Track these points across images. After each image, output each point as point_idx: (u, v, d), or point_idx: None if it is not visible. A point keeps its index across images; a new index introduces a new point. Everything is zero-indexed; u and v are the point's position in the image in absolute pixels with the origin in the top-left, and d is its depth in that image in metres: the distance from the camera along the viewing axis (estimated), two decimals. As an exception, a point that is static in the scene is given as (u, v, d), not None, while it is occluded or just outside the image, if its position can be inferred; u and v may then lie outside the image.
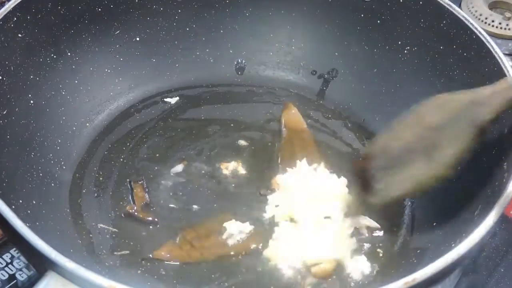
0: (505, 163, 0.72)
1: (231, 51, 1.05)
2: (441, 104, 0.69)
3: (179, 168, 0.89)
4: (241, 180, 0.89)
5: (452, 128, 0.66)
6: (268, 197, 0.85)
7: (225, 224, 0.81)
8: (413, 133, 0.69)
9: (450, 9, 0.87)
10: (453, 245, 0.63)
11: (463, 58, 0.85)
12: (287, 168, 0.88)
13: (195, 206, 0.84)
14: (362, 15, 0.97)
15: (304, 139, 0.95)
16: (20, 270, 0.82)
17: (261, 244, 0.80)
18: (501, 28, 1.19)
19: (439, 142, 0.67)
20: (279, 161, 0.91)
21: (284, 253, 0.78)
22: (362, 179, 0.74)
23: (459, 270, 0.86)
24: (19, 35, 0.82)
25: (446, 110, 0.68)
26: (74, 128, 0.91)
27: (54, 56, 0.89)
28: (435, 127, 0.68)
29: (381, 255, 0.81)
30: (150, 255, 0.78)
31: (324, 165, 0.89)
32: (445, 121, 0.67)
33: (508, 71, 0.78)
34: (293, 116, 0.97)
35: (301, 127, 0.96)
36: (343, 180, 0.86)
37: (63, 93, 0.91)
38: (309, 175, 0.86)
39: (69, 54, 0.91)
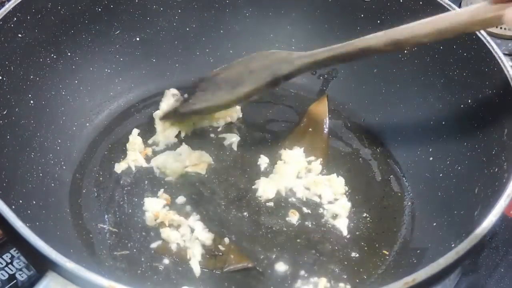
0: (505, 163, 0.72)
1: (231, 51, 1.05)
2: (263, 56, 0.85)
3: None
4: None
5: (255, 74, 0.83)
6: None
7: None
8: (236, 71, 0.86)
9: (450, 9, 0.87)
10: (453, 245, 0.63)
11: (463, 58, 0.85)
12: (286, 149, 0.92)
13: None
14: (362, 15, 0.97)
15: (318, 131, 0.96)
16: (20, 270, 0.82)
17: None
18: (501, 28, 1.19)
19: (243, 82, 0.84)
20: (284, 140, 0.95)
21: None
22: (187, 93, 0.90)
23: (459, 270, 0.86)
24: (19, 35, 0.82)
25: (261, 61, 0.84)
26: (74, 128, 0.91)
27: (54, 56, 0.89)
28: (249, 70, 0.84)
29: (381, 255, 0.81)
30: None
31: (321, 162, 0.90)
32: (254, 69, 0.84)
33: (508, 71, 0.78)
34: (320, 106, 0.99)
35: (321, 118, 0.98)
36: (341, 180, 0.87)
37: (63, 93, 0.91)
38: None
39: (69, 54, 0.91)
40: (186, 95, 0.90)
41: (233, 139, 0.94)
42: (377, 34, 0.75)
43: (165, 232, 0.80)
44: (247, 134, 0.96)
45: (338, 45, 0.78)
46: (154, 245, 0.80)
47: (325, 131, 0.97)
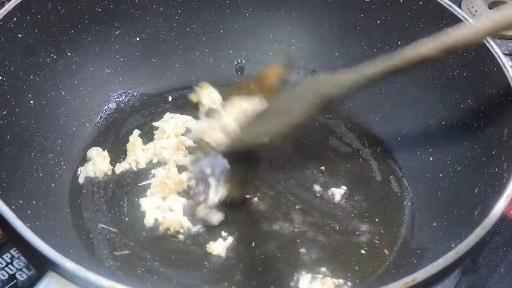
0: (505, 163, 0.72)
1: (231, 51, 1.05)
2: (305, 83, 0.86)
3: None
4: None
5: (304, 100, 0.81)
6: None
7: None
8: (288, 98, 0.85)
9: (450, 9, 0.87)
10: (453, 245, 0.63)
11: (463, 58, 0.85)
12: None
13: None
14: (362, 15, 0.97)
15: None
16: (20, 270, 0.82)
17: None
18: (501, 28, 1.19)
19: (291, 109, 0.82)
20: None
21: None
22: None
23: (459, 270, 0.86)
24: (19, 35, 0.82)
25: (306, 87, 0.84)
26: (74, 128, 0.91)
27: (54, 56, 0.89)
28: (297, 98, 0.83)
29: (381, 255, 0.81)
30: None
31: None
32: (301, 95, 0.83)
33: (508, 71, 0.78)
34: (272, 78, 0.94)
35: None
36: None
37: (63, 93, 0.91)
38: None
39: (69, 54, 0.91)
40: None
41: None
42: (424, 41, 0.74)
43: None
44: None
45: (390, 58, 0.76)
46: (154, 244, 0.80)
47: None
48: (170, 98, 1.00)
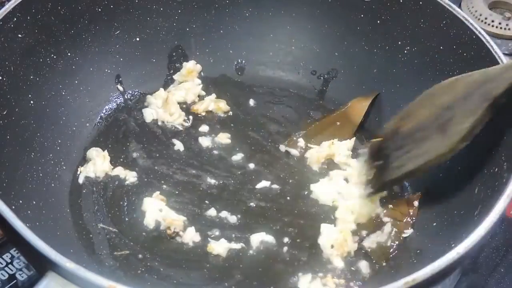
0: (505, 163, 0.72)
1: (231, 51, 1.05)
2: (452, 85, 0.74)
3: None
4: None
5: (465, 105, 0.71)
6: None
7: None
8: (427, 113, 0.74)
9: (450, 9, 0.87)
10: (453, 245, 0.63)
11: (463, 58, 0.85)
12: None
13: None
14: (362, 15, 0.97)
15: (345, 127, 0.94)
16: (20, 270, 0.82)
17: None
18: (501, 28, 1.19)
19: (452, 119, 0.71)
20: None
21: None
22: (377, 159, 0.80)
23: (459, 270, 0.86)
24: (19, 35, 0.82)
25: (457, 89, 0.73)
26: (74, 128, 0.91)
27: (54, 56, 0.89)
28: (448, 106, 0.72)
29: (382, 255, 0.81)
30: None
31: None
32: (457, 100, 0.72)
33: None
34: (358, 105, 0.93)
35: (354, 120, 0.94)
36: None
37: (63, 93, 0.91)
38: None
39: (69, 54, 0.91)
40: (380, 162, 0.80)
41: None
42: None
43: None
44: (245, 133, 0.96)
45: None
46: (154, 244, 0.80)
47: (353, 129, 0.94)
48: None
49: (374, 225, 0.84)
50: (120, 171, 0.89)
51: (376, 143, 0.83)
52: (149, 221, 0.82)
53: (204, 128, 0.96)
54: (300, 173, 0.91)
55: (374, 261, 0.80)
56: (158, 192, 0.86)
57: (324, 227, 0.82)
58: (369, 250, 0.81)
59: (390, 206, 0.86)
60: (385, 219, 0.84)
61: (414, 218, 0.84)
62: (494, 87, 0.70)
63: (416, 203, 0.85)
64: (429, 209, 0.84)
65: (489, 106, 0.70)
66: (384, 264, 0.80)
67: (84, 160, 0.89)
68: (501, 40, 1.18)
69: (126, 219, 0.83)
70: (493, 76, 0.71)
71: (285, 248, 0.81)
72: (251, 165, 0.91)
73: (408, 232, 0.82)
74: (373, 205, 0.84)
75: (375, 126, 0.97)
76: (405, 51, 0.94)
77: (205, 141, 0.94)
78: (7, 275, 0.82)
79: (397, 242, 0.82)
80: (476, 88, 0.71)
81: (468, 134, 0.71)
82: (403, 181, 0.86)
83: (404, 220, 0.84)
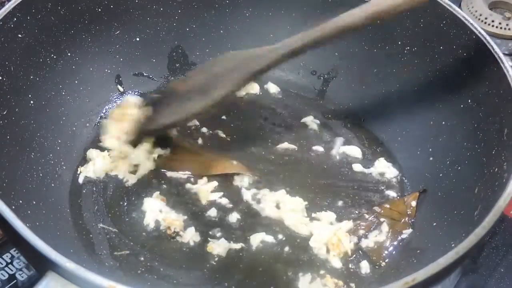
0: (505, 163, 0.72)
1: (231, 51, 1.04)
2: (230, 57, 0.86)
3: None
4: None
5: (228, 76, 0.83)
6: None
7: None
8: (201, 78, 0.86)
9: (450, 9, 0.87)
10: (453, 245, 0.63)
11: (463, 58, 0.85)
12: None
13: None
14: (362, 15, 0.97)
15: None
16: (20, 270, 0.82)
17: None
18: (501, 28, 1.19)
19: (216, 85, 0.83)
20: None
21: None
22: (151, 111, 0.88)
23: (459, 270, 0.86)
24: (19, 35, 0.82)
25: (230, 62, 0.84)
26: (74, 128, 0.91)
27: (54, 56, 0.89)
28: (217, 74, 0.84)
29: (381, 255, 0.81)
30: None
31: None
32: (225, 70, 0.84)
33: (507, 71, 0.78)
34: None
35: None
36: None
37: (63, 93, 0.91)
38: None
39: (69, 54, 0.91)
40: (150, 109, 0.88)
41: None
42: (351, 12, 0.78)
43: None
44: (244, 133, 0.96)
45: (312, 30, 0.79)
46: (154, 244, 0.80)
47: None
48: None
49: (371, 224, 0.83)
50: (120, 171, 0.88)
51: (152, 97, 0.92)
52: (149, 221, 0.82)
53: (203, 129, 0.96)
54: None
55: (372, 261, 0.80)
56: (158, 192, 0.86)
57: (315, 227, 0.82)
58: (366, 250, 0.81)
59: (387, 206, 0.86)
60: (382, 218, 0.84)
61: (412, 219, 0.84)
62: (256, 64, 0.82)
63: (414, 203, 0.85)
64: (429, 209, 0.84)
65: (246, 79, 0.83)
66: (383, 264, 0.80)
67: (84, 160, 0.89)
68: (501, 40, 1.18)
69: (126, 219, 0.83)
70: (259, 54, 0.82)
71: (285, 248, 0.81)
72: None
73: (407, 232, 0.82)
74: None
75: (375, 126, 0.97)
76: (405, 51, 0.94)
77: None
78: (7, 275, 0.82)
79: (395, 242, 0.82)
80: (243, 63, 0.83)
81: (220, 99, 0.83)
82: (156, 133, 0.89)
83: (402, 220, 0.84)
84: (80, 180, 0.87)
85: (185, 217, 0.83)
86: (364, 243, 0.82)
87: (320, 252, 0.80)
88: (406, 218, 0.84)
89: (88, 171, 0.88)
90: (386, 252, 0.81)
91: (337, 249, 0.80)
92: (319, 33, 0.79)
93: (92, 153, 0.89)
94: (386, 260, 0.80)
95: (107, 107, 0.97)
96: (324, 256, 0.80)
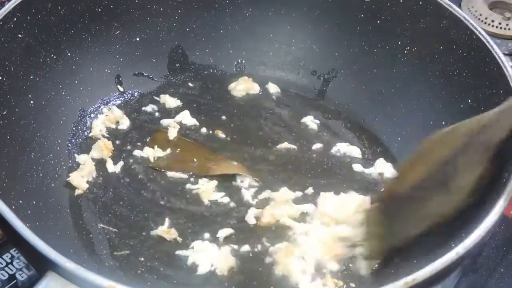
0: (505, 163, 0.72)
1: (231, 51, 1.05)
2: (446, 137, 0.69)
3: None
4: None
5: (464, 157, 0.65)
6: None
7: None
8: (423, 171, 0.68)
9: (450, 9, 0.87)
10: (453, 245, 0.63)
11: (463, 58, 0.85)
12: None
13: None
14: (362, 15, 0.97)
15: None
16: (20, 270, 0.82)
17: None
18: (501, 28, 1.19)
19: (454, 173, 0.66)
20: None
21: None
22: (377, 224, 0.74)
23: (459, 270, 0.86)
24: (19, 35, 0.82)
25: (453, 141, 0.67)
26: (74, 128, 0.91)
27: (54, 56, 0.89)
28: (446, 161, 0.67)
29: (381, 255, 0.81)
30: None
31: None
32: (454, 153, 0.66)
33: (508, 71, 0.78)
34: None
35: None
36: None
37: (63, 93, 0.91)
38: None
39: (69, 54, 0.91)
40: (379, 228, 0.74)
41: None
42: None
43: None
44: (244, 133, 0.96)
45: None
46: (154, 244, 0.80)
47: None
48: (171, 98, 1.00)
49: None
50: (120, 169, 0.88)
51: (372, 209, 0.76)
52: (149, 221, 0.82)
53: (203, 129, 0.96)
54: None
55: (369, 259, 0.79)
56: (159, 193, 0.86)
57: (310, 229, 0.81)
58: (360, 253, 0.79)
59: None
60: None
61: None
62: (491, 134, 0.65)
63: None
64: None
65: (491, 155, 0.65)
66: (377, 263, 0.78)
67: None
68: (501, 40, 1.18)
69: (126, 219, 0.83)
70: (488, 122, 0.66)
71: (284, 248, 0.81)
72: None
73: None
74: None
75: (375, 126, 0.97)
76: (405, 51, 0.94)
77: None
78: (7, 275, 0.82)
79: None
80: (473, 138, 0.66)
81: (474, 187, 0.66)
82: (404, 248, 0.74)
83: None
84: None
85: (185, 217, 0.83)
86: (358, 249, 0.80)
87: (316, 255, 0.80)
88: None
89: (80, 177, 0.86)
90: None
91: (331, 253, 0.79)
92: None
93: (80, 158, 0.88)
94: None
95: (107, 107, 0.97)
96: (321, 257, 0.80)
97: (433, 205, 0.68)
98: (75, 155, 0.89)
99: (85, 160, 0.88)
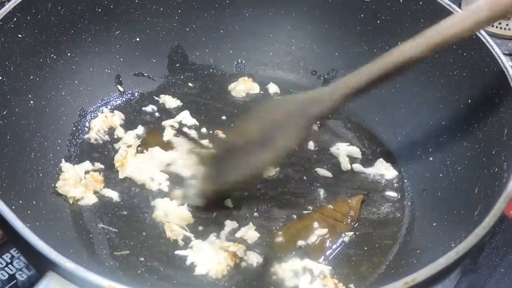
0: (505, 163, 0.72)
1: (231, 51, 1.05)
2: (283, 103, 0.81)
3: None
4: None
5: (289, 122, 0.76)
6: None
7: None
8: (257, 129, 0.78)
9: (450, 9, 0.87)
10: (453, 245, 0.63)
11: (463, 58, 0.85)
12: None
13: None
14: (362, 15, 0.97)
15: None
16: (20, 270, 0.82)
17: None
18: (501, 28, 1.19)
19: (277, 134, 0.76)
20: None
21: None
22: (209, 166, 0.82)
23: (459, 270, 0.86)
24: (19, 35, 0.82)
25: (287, 108, 0.78)
26: (74, 128, 0.91)
27: (54, 56, 0.89)
28: (274, 123, 0.77)
29: (381, 255, 0.81)
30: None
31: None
32: (283, 117, 0.76)
33: (508, 71, 0.78)
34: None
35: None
36: None
37: (63, 93, 0.91)
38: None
39: (69, 54, 0.91)
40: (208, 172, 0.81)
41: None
42: (410, 42, 0.72)
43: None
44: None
45: (370, 65, 0.73)
46: (154, 244, 0.80)
47: None
48: (171, 98, 1.00)
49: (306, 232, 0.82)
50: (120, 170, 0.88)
51: (208, 153, 0.86)
52: (149, 221, 0.82)
53: (203, 129, 0.96)
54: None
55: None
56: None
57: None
58: (306, 246, 0.80)
59: (330, 206, 0.85)
60: (315, 224, 0.83)
61: (355, 221, 0.84)
62: (317, 108, 0.75)
63: (357, 206, 0.85)
64: (429, 209, 0.84)
65: (309, 125, 0.76)
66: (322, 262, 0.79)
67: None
68: (501, 40, 1.18)
69: (126, 219, 0.83)
70: (320, 96, 0.76)
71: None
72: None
73: (348, 234, 0.82)
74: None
75: (375, 126, 0.97)
76: (405, 51, 0.94)
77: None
78: (7, 275, 0.82)
79: (337, 243, 0.81)
80: (301, 109, 0.75)
81: (285, 150, 0.77)
82: (221, 194, 0.83)
83: (344, 222, 0.83)
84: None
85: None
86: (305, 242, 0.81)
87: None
88: (349, 220, 0.84)
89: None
90: (327, 252, 0.80)
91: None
92: (383, 68, 0.73)
93: (65, 166, 0.86)
94: (326, 261, 0.80)
95: (107, 107, 0.97)
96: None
97: (254, 158, 0.78)
98: (62, 160, 0.86)
99: (68, 169, 0.85)
